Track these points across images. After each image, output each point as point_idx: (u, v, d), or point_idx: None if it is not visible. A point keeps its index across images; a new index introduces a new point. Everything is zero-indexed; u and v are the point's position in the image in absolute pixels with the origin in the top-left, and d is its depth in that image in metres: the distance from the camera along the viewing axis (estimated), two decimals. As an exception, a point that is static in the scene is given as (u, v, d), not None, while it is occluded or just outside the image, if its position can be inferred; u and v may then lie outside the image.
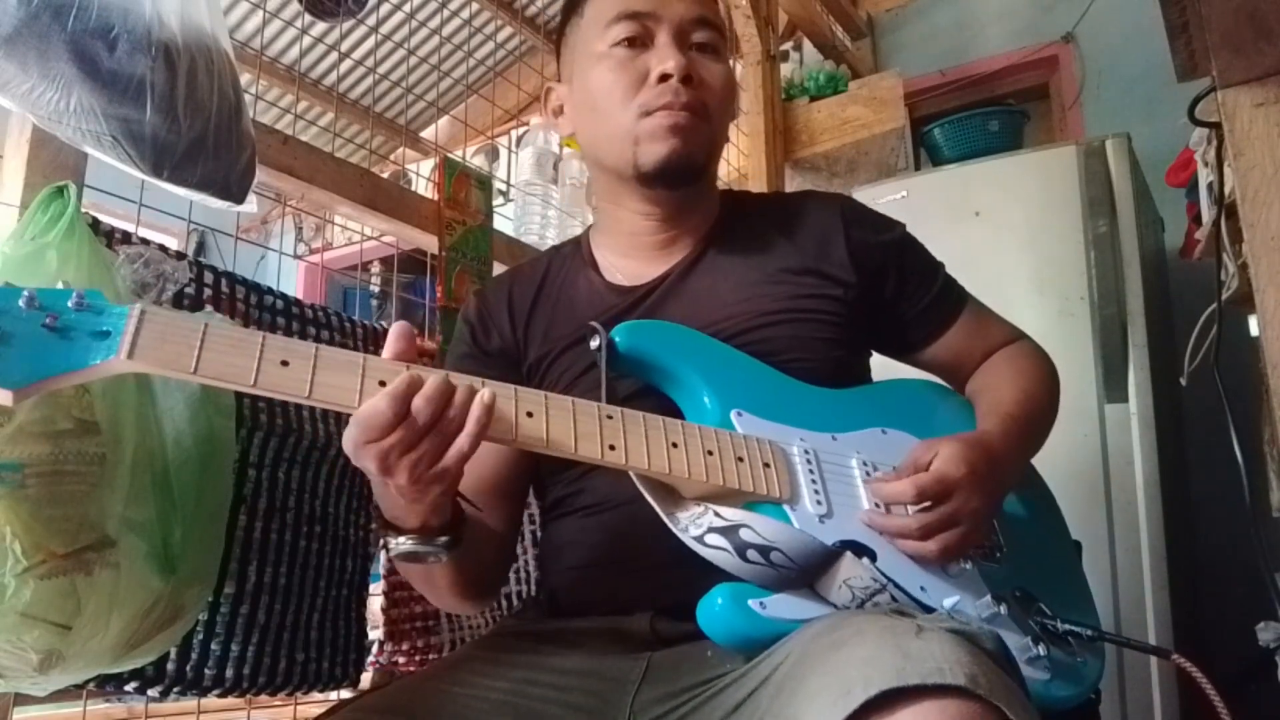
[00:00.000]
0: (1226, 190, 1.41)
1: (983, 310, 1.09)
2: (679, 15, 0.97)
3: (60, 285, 0.64)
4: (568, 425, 0.75)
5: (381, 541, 0.90)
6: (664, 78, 0.94)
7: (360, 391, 0.68)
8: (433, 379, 0.69)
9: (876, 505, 0.85)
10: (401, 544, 0.78)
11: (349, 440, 0.70)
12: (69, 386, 0.72)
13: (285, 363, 0.66)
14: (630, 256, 1.03)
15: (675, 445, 0.79)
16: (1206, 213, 1.87)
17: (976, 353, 1.06)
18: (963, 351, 1.06)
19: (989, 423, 0.94)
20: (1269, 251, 0.94)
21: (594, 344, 0.87)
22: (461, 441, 0.70)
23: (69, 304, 0.63)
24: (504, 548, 1.01)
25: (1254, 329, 1.57)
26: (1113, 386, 2.00)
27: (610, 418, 0.77)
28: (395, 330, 0.74)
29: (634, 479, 0.80)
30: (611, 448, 0.76)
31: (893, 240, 1.04)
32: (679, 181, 0.97)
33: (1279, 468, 1.76)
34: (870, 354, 1.07)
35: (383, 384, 0.68)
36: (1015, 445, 0.93)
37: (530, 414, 0.74)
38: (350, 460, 0.71)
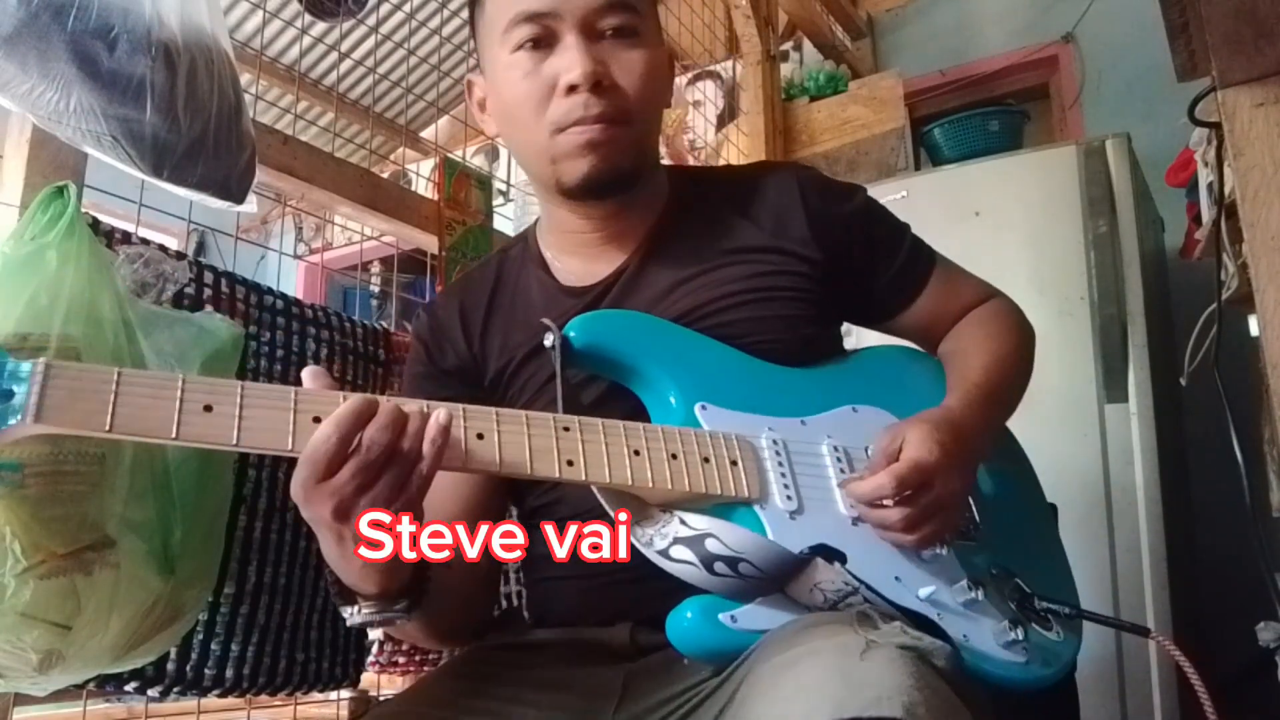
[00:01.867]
0: (1226, 190, 1.41)
1: (953, 269, 1.05)
2: (581, 8, 0.86)
3: None
4: (522, 443, 0.70)
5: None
6: (572, 88, 0.85)
7: (293, 429, 0.63)
8: (385, 405, 0.64)
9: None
10: (356, 615, 0.73)
11: (298, 487, 0.64)
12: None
13: (209, 407, 0.61)
14: (577, 255, 0.97)
15: (637, 453, 0.74)
16: (1206, 213, 1.87)
17: (950, 314, 1.03)
18: (936, 314, 1.02)
19: (954, 396, 0.90)
20: (1269, 251, 0.94)
21: (548, 342, 0.82)
22: (418, 474, 0.65)
23: None
24: (486, 579, 0.97)
25: (1254, 329, 1.57)
26: (1113, 386, 1.99)
27: (567, 429, 0.72)
28: (307, 373, 0.68)
29: (595, 493, 0.75)
30: (569, 463, 0.71)
31: (855, 209, 0.99)
32: (606, 194, 0.91)
33: (1279, 468, 1.76)
34: (840, 324, 1.03)
35: (317, 420, 0.63)
36: (982, 417, 0.89)
37: (481, 435, 0.69)
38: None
